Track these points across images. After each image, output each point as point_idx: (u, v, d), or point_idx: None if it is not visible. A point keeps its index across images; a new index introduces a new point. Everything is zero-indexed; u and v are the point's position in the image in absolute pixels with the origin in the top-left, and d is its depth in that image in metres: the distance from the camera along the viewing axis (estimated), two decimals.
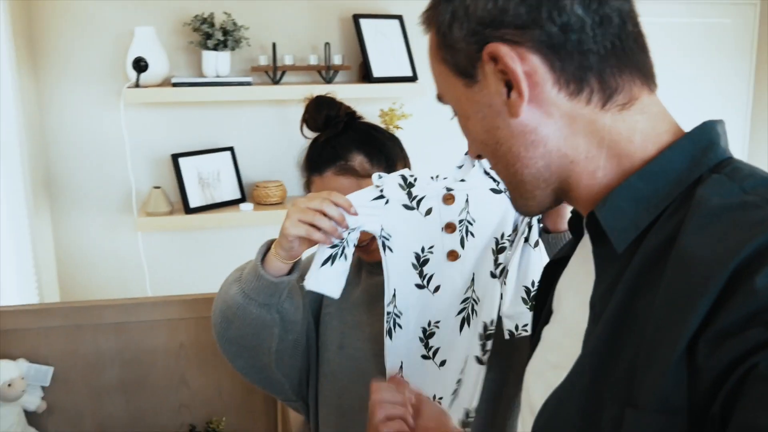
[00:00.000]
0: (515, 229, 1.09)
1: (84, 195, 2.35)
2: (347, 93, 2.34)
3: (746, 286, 0.48)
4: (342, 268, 1.08)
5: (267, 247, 1.12)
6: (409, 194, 1.09)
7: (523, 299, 1.06)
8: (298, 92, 2.32)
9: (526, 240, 1.06)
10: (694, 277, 0.51)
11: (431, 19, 0.68)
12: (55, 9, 2.22)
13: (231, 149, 2.40)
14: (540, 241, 1.06)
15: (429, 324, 1.12)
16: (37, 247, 2.16)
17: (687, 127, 0.64)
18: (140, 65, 2.13)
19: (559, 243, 1.06)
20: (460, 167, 1.10)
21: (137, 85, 2.17)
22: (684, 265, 0.53)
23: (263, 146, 2.48)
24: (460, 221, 1.10)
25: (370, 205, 1.07)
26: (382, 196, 1.08)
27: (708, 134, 0.61)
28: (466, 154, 1.07)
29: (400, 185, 1.09)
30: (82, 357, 1.58)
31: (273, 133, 2.48)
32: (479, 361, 1.10)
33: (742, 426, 0.44)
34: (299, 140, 2.53)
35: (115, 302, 1.63)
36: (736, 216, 0.53)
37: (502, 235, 1.09)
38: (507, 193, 0.99)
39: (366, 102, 2.51)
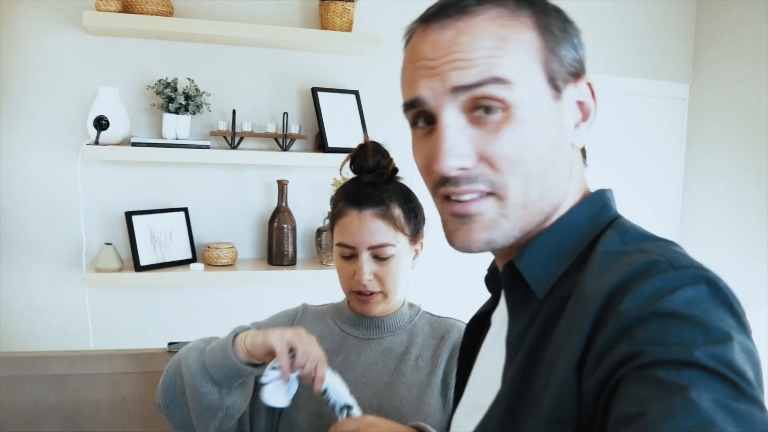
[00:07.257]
0: None
1: (32, 246, 2.32)
2: (303, 161, 2.44)
3: (615, 310, 0.56)
4: (293, 385, 1.12)
5: (237, 333, 1.15)
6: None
7: None
8: (255, 158, 2.41)
9: None
10: (579, 309, 0.59)
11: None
12: (22, 62, 2.26)
13: (185, 210, 2.44)
14: None
15: None
16: None
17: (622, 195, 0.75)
18: (101, 123, 2.17)
19: None
20: None
21: (97, 143, 2.20)
22: (576, 301, 0.61)
23: (217, 208, 2.52)
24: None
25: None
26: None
27: (602, 199, 0.72)
28: None
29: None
30: (20, 410, 1.56)
31: (227, 196, 2.53)
32: None
33: (611, 419, 0.51)
34: (253, 204, 2.59)
35: (58, 354, 1.62)
36: (613, 260, 0.62)
37: None
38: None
39: (320, 170, 2.59)
